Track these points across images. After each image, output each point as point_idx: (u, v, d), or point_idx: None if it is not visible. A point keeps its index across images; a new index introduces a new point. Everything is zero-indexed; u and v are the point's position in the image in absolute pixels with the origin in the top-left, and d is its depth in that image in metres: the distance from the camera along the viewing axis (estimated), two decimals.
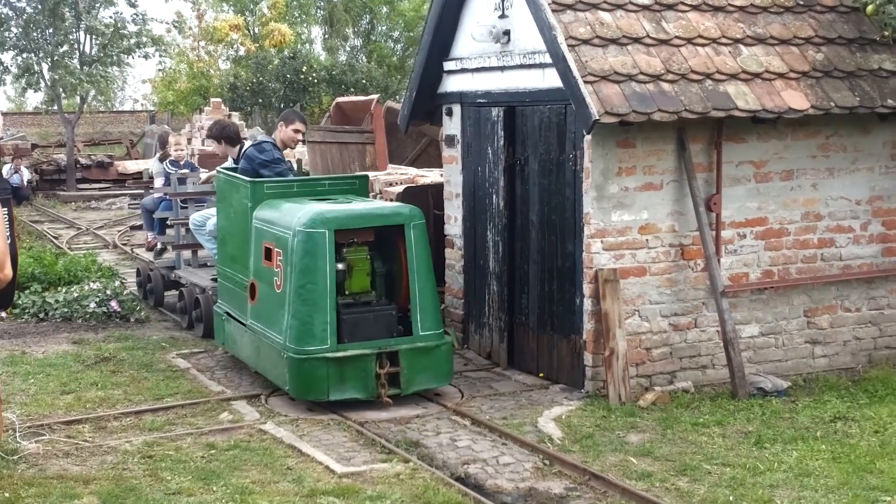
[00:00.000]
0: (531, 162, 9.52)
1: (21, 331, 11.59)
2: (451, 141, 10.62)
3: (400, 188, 12.23)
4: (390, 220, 8.85)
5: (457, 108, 10.48)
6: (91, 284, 12.58)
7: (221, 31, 39.13)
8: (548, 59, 8.95)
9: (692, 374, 9.11)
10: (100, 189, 29.30)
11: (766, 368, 9.28)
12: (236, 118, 26.28)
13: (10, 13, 29.57)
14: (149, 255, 14.54)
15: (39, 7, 29.12)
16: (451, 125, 10.60)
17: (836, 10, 9.78)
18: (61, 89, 29.84)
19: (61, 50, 29.69)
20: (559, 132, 9.15)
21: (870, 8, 9.71)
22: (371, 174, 12.88)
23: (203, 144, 23.42)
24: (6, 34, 29.37)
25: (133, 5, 30.29)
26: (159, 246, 13.83)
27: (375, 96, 20.17)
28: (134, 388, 9.34)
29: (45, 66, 29.91)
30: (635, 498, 6.72)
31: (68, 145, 30.13)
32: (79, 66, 29.71)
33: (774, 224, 9.35)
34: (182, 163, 13.89)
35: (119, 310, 12.05)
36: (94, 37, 29.94)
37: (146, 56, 31.25)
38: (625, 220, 8.84)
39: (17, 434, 7.93)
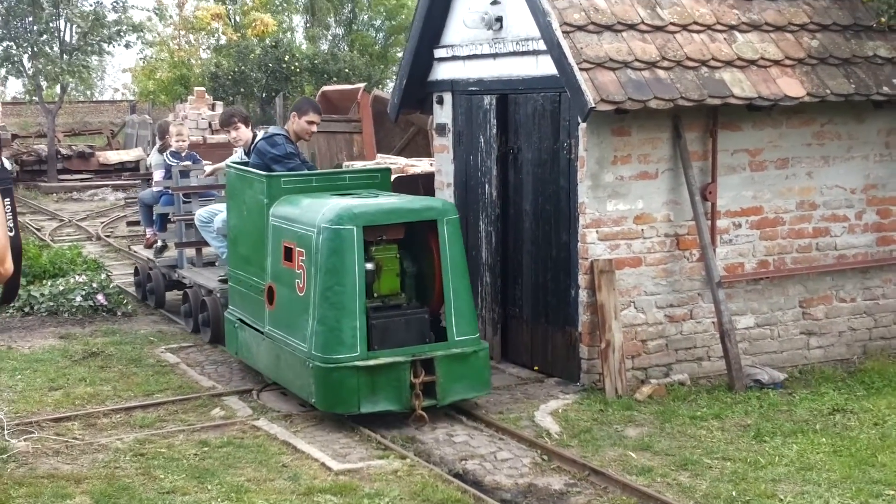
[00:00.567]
0: (524, 151, 9.40)
1: (6, 325, 11.41)
2: (442, 129, 10.48)
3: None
4: (422, 215, 8.21)
5: (448, 97, 10.34)
6: (77, 277, 12.39)
7: (203, 20, 38.82)
8: (541, 45, 8.83)
9: (688, 367, 9.02)
10: (81, 180, 29.02)
11: (761, 360, 9.21)
12: (220, 108, 26.05)
13: None
14: (147, 253, 13.51)
15: None
16: (442, 113, 10.46)
17: None
18: (42, 78, 29.53)
19: (42, 39, 29.37)
20: (553, 120, 9.04)
21: None
22: (359, 164, 12.73)
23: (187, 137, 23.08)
24: None
25: None
26: (159, 243, 12.81)
27: (362, 85, 20.02)
28: (123, 383, 9.19)
29: (24, 56, 29.60)
30: (637, 493, 6.63)
31: (49, 135, 29.83)
32: (59, 55, 29.42)
33: (770, 213, 9.27)
34: (184, 154, 12.73)
35: (106, 303, 11.88)
36: (73, 25, 29.63)
37: (127, 45, 30.96)
38: (620, 209, 8.74)
39: (6, 432, 7.78)
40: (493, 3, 9.55)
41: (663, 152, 8.83)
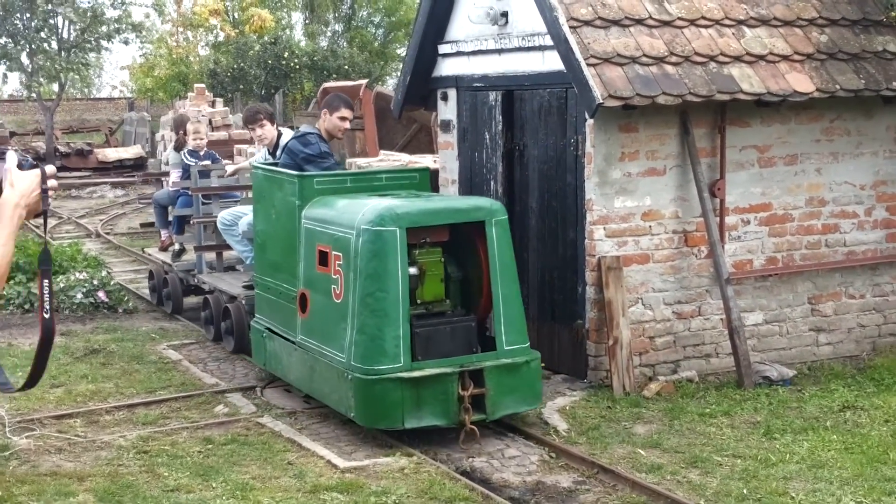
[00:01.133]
0: (530, 147, 9.32)
1: (6, 322, 11.33)
2: (446, 126, 10.39)
3: None
4: (469, 216, 7.67)
5: (452, 93, 10.25)
6: (77, 274, 12.27)
7: (201, 17, 38.71)
8: (548, 41, 8.74)
9: (696, 363, 8.94)
10: (80, 177, 28.92)
11: (770, 357, 9.13)
12: (220, 105, 25.95)
13: None
14: (162, 256, 12.61)
15: None
16: (447, 110, 10.37)
17: None
18: (41, 75, 29.45)
19: (39, 35, 29.29)
20: (560, 116, 8.95)
21: None
22: (363, 160, 12.65)
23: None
24: None
25: None
26: (177, 247, 12.18)
27: (364, 81, 19.93)
28: (125, 380, 9.11)
29: (23, 53, 29.51)
30: (646, 491, 6.54)
31: (47, 133, 29.77)
32: (58, 52, 29.33)
33: (778, 210, 9.19)
34: (202, 153, 12.12)
35: (107, 300, 11.79)
36: (71, 22, 29.54)
37: (126, 42, 30.87)
38: (628, 206, 8.66)
39: (7, 429, 7.70)
40: None
41: (671, 148, 8.75)
